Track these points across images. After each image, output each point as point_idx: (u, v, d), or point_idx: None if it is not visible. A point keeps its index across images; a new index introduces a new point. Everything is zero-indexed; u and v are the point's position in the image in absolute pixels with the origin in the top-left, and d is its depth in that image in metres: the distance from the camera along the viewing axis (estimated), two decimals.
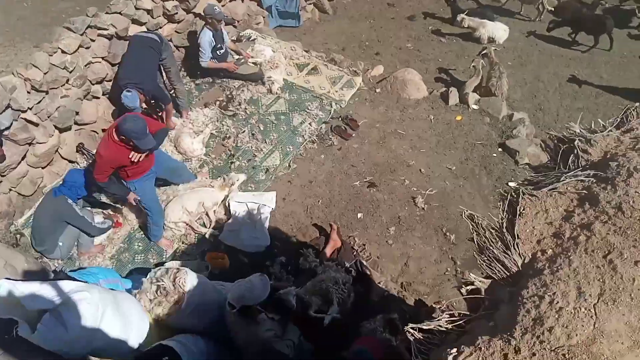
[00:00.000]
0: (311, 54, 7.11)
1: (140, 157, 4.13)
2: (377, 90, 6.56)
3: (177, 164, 5.18)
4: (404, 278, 4.58)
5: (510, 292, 4.26)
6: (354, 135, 5.86)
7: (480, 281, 4.49)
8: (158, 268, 3.83)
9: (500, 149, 5.74)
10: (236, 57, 6.60)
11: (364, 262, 4.59)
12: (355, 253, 4.69)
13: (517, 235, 4.78)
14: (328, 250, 4.57)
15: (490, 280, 4.53)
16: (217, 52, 6.13)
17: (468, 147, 5.75)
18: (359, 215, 5.06)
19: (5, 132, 4.67)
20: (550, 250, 4.54)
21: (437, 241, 4.85)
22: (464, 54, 7.85)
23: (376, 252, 4.76)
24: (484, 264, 4.69)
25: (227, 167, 5.55)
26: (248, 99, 6.25)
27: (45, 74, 4.88)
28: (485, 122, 6.08)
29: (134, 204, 4.61)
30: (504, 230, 4.90)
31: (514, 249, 4.68)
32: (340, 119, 6.06)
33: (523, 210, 4.98)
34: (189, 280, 3.61)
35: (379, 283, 4.38)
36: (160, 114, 5.82)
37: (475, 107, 6.23)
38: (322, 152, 5.70)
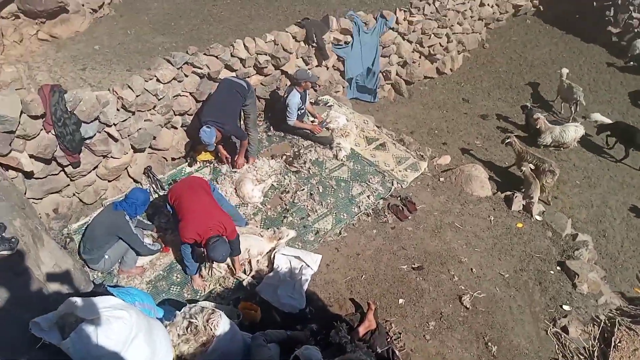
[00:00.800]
0: (382, 130, 7.23)
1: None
2: (441, 179, 6.52)
3: (231, 208, 5.26)
4: None
5: None
6: (409, 217, 5.78)
7: None
8: (194, 305, 3.80)
9: (558, 268, 5.47)
10: (311, 118, 6.85)
11: (397, 352, 4.36)
12: (389, 339, 4.46)
13: None
14: (362, 330, 4.38)
15: None
16: (299, 111, 6.41)
17: (525, 257, 5.52)
18: (401, 300, 4.86)
19: (87, 141, 4.94)
20: None
21: (477, 349, 4.55)
22: None
23: (411, 344, 4.51)
24: None
25: (280, 220, 5.56)
26: (313, 160, 6.37)
27: (137, 96, 5.22)
28: (547, 235, 5.86)
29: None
30: (595, 359, 4.55)
31: None
32: (399, 198, 6.02)
33: (619, 342, 4.64)
34: (222, 324, 3.55)
35: None
36: (227, 157, 6.05)
37: (538, 218, 6.05)
38: (374, 227, 5.62)
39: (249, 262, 5.01)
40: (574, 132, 7.78)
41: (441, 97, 9.51)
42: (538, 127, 7.99)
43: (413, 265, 5.21)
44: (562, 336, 4.75)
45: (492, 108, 9.25)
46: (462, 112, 9.09)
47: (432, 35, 9.21)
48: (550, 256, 5.59)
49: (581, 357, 4.62)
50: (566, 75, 8.90)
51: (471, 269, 5.26)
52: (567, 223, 6.00)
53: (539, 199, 6.36)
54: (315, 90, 7.62)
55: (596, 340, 4.75)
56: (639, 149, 7.89)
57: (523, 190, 6.47)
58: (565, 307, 5.03)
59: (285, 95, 6.38)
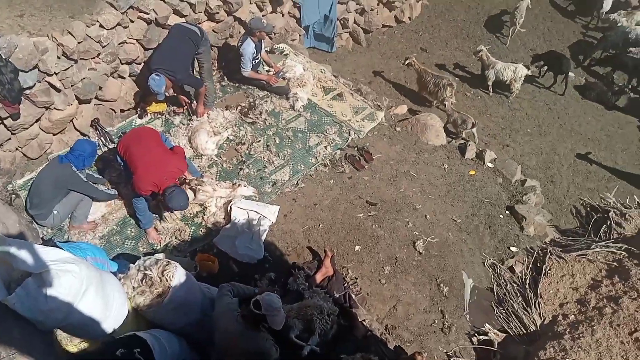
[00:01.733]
0: (339, 80, 7.15)
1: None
2: (397, 129, 6.57)
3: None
4: (390, 321, 4.48)
5: (525, 350, 4.20)
6: (366, 167, 5.83)
7: (494, 333, 4.44)
8: (148, 257, 3.77)
9: (507, 212, 5.72)
10: (267, 68, 6.66)
11: (353, 296, 4.51)
12: (345, 285, 4.58)
13: (540, 294, 4.76)
14: (319, 276, 4.48)
15: (505, 335, 4.49)
16: (253, 61, 6.19)
17: (476, 203, 5.72)
18: (357, 247, 4.98)
19: (27, 91, 4.65)
20: (573, 315, 4.51)
21: (430, 290, 4.76)
22: (487, 112, 7.94)
23: (367, 289, 4.66)
24: (501, 317, 4.64)
25: (236, 172, 5.49)
26: (270, 111, 6.25)
27: (79, 43, 4.90)
28: (498, 182, 6.07)
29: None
30: (527, 286, 4.87)
31: (535, 307, 4.69)
32: (356, 148, 6.04)
33: (549, 270, 4.99)
34: (177, 275, 3.54)
35: (364, 320, 4.28)
36: (187, 102, 5.89)
37: (490, 165, 6.24)
38: (331, 178, 5.65)
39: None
40: (513, 70, 7.95)
41: (399, 46, 9.43)
42: (480, 58, 8.21)
43: (369, 199, 5.31)
44: (497, 266, 5.05)
45: (449, 58, 9.28)
46: (420, 61, 9.05)
47: None
48: (500, 201, 5.82)
49: (514, 285, 4.93)
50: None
51: (425, 216, 5.42)
52: (517, 169, 6.22)
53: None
54: (271, 38, 7.38)
55: (529, 269, 5.08)
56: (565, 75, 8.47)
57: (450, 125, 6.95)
58: (513, 249, 5.30)
59: (239, 44, 6.14)
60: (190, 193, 4.76)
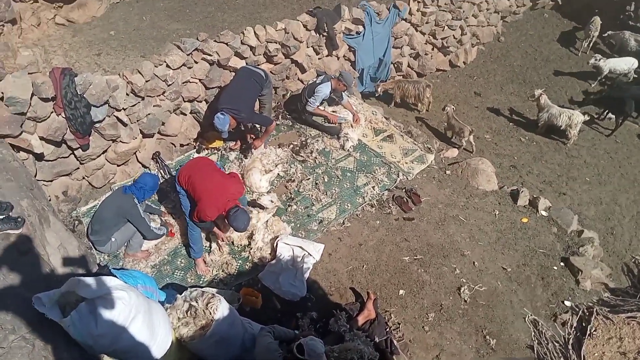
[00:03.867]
0: (390, 122, 7.22)
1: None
2: (447, 172, 6.51)
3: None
4: None
5: None
6: (413, 209, 5.78)
7: None
8: (195, 289, 3.87)
9: (562, 264, 5.44)
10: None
11: (395, 342, 4.40)
12: (387, 329, 4.50)
13: (584, 356, 4.47)
14: (361, 319, 4.42)
15: None
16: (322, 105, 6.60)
17: (528, 252, 5.50)
18: (401, 292, 4.89)
19: (97, 125, 5.03)
20: None
21: (476, 342, 4.57)
22: (542, 158, 7.70)
23: (410, 335, 4.55)
24: None
25: (284, 208, 5.61)
26: (320, 150, 6.40)
27: (146, 81, 5.28)
28: (552, 231, 5.82)
29: (226, 240, 5.01)
30: (569, 347, 4.61)
31: None
32: (404, 190, 6.02)
33: (594, 331, 4.70)
34: (221, 309, 3.61)
35: None
36: (249, 137, 6.19)
37: (544, 213, 6.01)
38: (378, 218, 5.64)
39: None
40: (568, 116, 7.70)
41: (453, 90, 9.43)
42: (537, 101, 8.01)
43: (416, 257, 5.22)
44: (539, 323, 4.77)
45: (504, 102, 9.16)
46: (473, 105, 9.01)
47: (446, 27, 9.12)
48: (555, 252, 5.57)
49: (556, 344, 4.64)
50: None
51: (473, 262, 5.26)
52: (574, 219, 5.95)
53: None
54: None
55: (572, 329, 4.77)
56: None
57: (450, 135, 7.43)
58: (567, 303, 5.01)
59: (317, 82, 6.41)
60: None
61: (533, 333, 4.73)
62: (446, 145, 7.27)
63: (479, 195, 6.20)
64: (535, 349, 4.61)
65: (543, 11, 11.85)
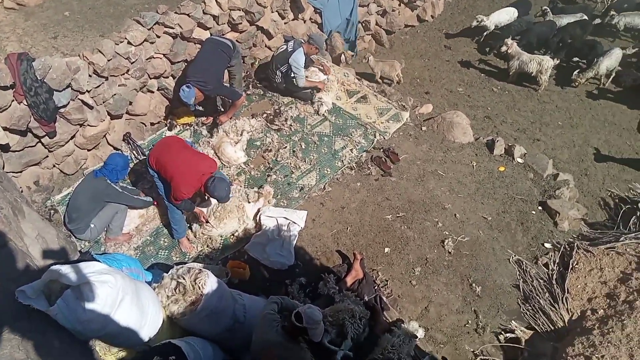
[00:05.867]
0: (363, 82, 7.15)
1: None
2: (423, 129, 6.52)
3: None
4: (422, 322, 4.42)
5: (553, 347, 4.11)
6: (392, 168, 5.81)
7: (521, 330, 4.37)
8: (180, 266, 3.86)
9: (540, 208, 5.58)
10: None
11: (384, 299, 4.50)
12: (376, 287, 4.59)
13: (567, 289, 4.67)
14: (349, 280, 4.49)
15: (532, 332, 4.41)
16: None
17: (507, 199, 5.61)
18: (386, 249, 4.97)
19: (61, 110, 4.85)
20: (602, 310, 4.39)
21: (462, 290, 4.70)
22: (515, 107, 7.78)
23: (398, 291, 4.64)
24: (528, 313, 4.56)
25: (264, 179, 5.57)
26: (295, 117, 6.32)
27: (108, 60, 5.07)
28: (529, 177, 5.93)
29: (204, 220, 4.85)
30: (554, 282, 4.78)
31: (563, 303, 4.59)
32: (382, 150, 6.03)
33: (576, 264, 4.89)
34: (209, 283, 3.61)
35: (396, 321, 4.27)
36: (219, 111, 6.10)
37: (520, 160, 6.10)
38: (358, 180, 5.66)
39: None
40: (538, 62, 7.79)
41: (423, 45, 9.37)
42: (507, 51, 8.05)
43: (398, 215, 5.28)
44: (523, 263, 4.95)
45: (474, 54, 9.17)
46: (444, 59, 8.99)
47: None
48: (532, 197, 5.69)
49: (540, 281, 4.82)
50: None
51: (455, 215, 5.35)
52: (549, 164, 6.06)
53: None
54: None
55: (555, 264, 4.96)
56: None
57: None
58: (547, 245, 5.16)
59: (288, 49, 6.19)
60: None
61: (518, 272, 4.88)
62: (420, 101, 7.25)
63: (455, 149, 6.25)
64: (520, 287, 4.76)
65: None
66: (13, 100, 4.46)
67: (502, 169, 5.98)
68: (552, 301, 4.62)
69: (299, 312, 3.12)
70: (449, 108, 7.41)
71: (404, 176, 5.75)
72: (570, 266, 4.86)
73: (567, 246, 5.13)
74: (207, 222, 4.87)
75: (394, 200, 5.45)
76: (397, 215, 5.28)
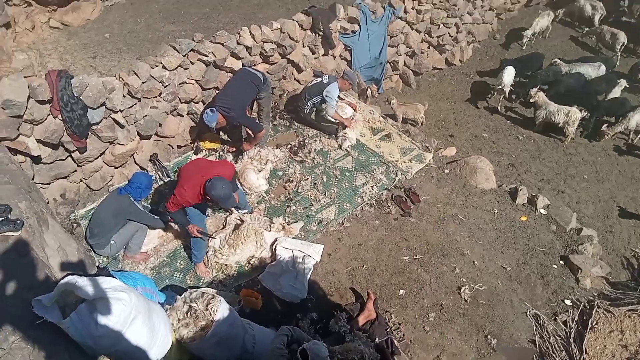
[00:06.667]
0: (388, 121, 7.21)
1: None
2: (446, 171, 6.50)
3: (241, 192, 5.24)
4: None
5: None
6: (412, 208, 5.77)
7: None
8: (194, 290, 3.85)
9: (562, 262, 5.44)
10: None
11: (396, 342, 4.39)
12: (388, 330, 4.48)
13: (586, 349, 4.51)
14: (361, 319, 4.41)
15: None
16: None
17: (528, 250, 5.49)
18: (401, 292, 4.88)
19: (94, 127, 5.00)
20: None
21: (477, 342, 4.56)
22: (540, 156, 7.72)
23: (410, 335, 4.53)
24: None
25: (283, 209, 5.59)
26: (318, 150, 6.39)
27: (143, 82, 5.25)
28: (551, 229, 5.82)
29: (196, 234, 4.61)
30: (571, 341, 4.62)
31: None
32: (403, 189, 6.01)
33: (596, 324, 4.73)
34: (221, 309, 3.59)
35: None
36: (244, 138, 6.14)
37: (543, 211, 6.00)
38: (377, 218, 5.63)
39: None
40: (565, 113, 7.75)
41: (450, 88, 9.45)
42: (534, 100, 8.05)
43: (415, 257, 5.21)
44: (541, 317, 4.79)
45: (502, 100, 9.16)
46: (470, 104, 9.02)
47: (441, 25, 9.14)
48: (554, 250, 5.56)
49: (558, 338, 4.66)
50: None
51: (473, 262, 5.26)
52: (573, 217, 5.96)
53: None
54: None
55: (574, 322, 4.80)
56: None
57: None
58: (567, 302, 5.01)
59: (323, 82, 6.38)
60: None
61: (535, 327, 4.73)
62: (444, 143, 7.25)
63: (477, 194, 6.20)
64: (537, 343, 4.61)
65: (538, 7, 11.88)
66: (49, 115, 4.63)
67: (524, 218, 5.89)
68: None
69: (304, 348, 3.06)
70: (472, 153, 7.41)
71: (424, 218, 5.70)
72: (590, 326, 4.70)
73: (587, 304, 4.97)
74: (200, 237, 4.66)
75: (412, 241, 5.39)
76: (415, 257, 5.22)
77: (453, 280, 5.04)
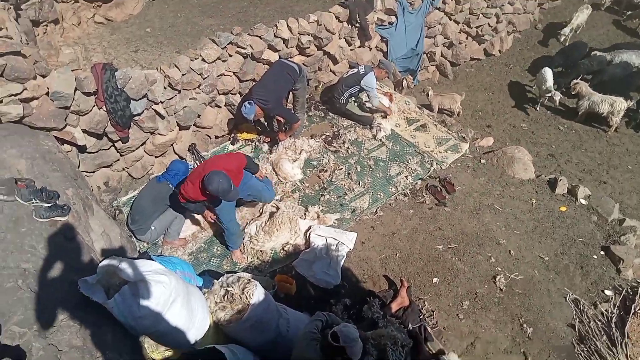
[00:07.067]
0: (423, 111, 7.16)
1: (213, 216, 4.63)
2: (482, 161, 6.40)
3: (260, 188, 5.06)
4: (467, 358, 4.29)
5: None
6: (447, 198, 5.73)
7: None
8: (230, 274, 3.96)
9: (602, 253, 5.27)
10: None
11: (429, 329, 4.39)
12: (421, 317, 4.49)
13: (628, 334, 4.40)
14: (394, 306, 4.43)
15: None
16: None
17: (567, 241, 5.36)
18: (435, 280, 4.87)
19: (136, 118, 5.21)
20: None
21: (512, 330, 4.50)
22: (582, 147, 7.49)
23: (444, 323, 4.52)
24: (582, 355, 4.34)
25: (317, 198, 5.67)
26: (352, 140, 6.43)
27: (183, 75, 5.42)
28: (592, 220, 5.65)
29: (211, 220, 4.82)
30: (613, 325, 4.51)
31: (622, 348, 4.32)
32: (437, 179, 5.97)
33: (638, 309, 4.58)
34: (257, 293, 3.68)
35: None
36: (276, 129, 6.33)
37: (584, 202, 5.83)
38: (411, 207, 5.62)
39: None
40: (610, 104, 7.49)
41: (488, 79, 9.28)
42: (576, 92, 7.83)
43: (450, 246, 5.18)
44: (581, 302, 4.70)
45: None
46: (509, 94, 8.82)
47: (481, 15, 8.98)
48: (594, 241, 5.40)
49: (598, 322, 4.55)
50: None
51: (509, 251, 5.18)
52: (615, 208, 5.75)
53: None
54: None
55: (616, 308, 4.68)
56: None
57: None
58: (607, 292, 4.87)
59: (360, 72, 6.43)
60: None
61: (575, 312, 4.63)
62: (481, 134, 7.14)
63: (515, 184, 6.08)
64: (576, 327, 4.51)
65: None
66: (94, 106, 4.85)
67: (563, 209, 5.74)
68: (609, 344, 4.35)
69: (335, 331, 3.11)
70: (510, 143, 7.26)
71: (459, 207, 5.65)
72: (633, 311, 4.56)
73: (629, 290, 4.82)
74: (213, 221, 4.81)
75: (447, 230, 5.36)
76: (449, 246, 5.19)
77: (488, 269, 4.98)
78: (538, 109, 8.41)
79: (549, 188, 6.08)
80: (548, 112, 8.34)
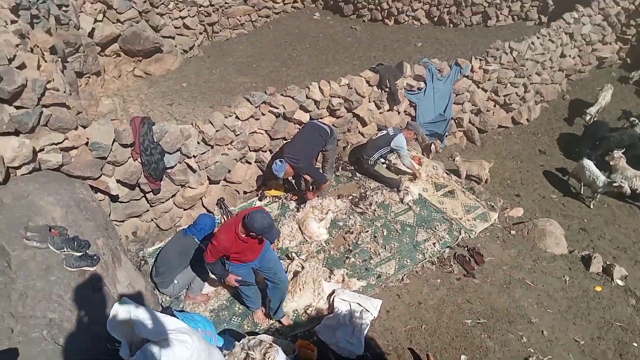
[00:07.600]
0: (451, 177, 7.11)
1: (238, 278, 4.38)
2: (512, 232, 6.24)
3: (279, 265, 4.70)
4: None
5: None
6: (476, 269, 5.55)
7: None
8: (252, 337, 3.86)
9: None
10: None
11: None
12: None
13: None
14: None
15: None
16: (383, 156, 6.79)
17: (604, 325, 5.08)
18: (463, 357, 4.62)
19: (168, 170, 5.28)
20: None
21: None
22: (615, 222, 7.27)
23: None
24: None
25: (342, 260, 5.55)
26: (379, 202, 6.38)
27: (217, 131, 5.54)
28: (630, 303, 5.37)
29: (234, 284, 4.51)
30: None
31: None
32: (466, 248, 5.82)
33: None
34: (278, 359, 3.56)
35: None
36: (303, 188, 6.37)
37: (620, 282, 5.58)
38: (439, 277, 5.45)
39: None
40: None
41: (516, 147, 9.23)
42: (614, 164, 7.66)
43: (479, 321, 4.96)
44: None
45: (570, 162, 8.81)
46: (537, 163, 8.74)
47: (509, 84, 9.06)
48: (634, 326, 5.10)
49: None
50: None
51: (542, 331, 4.92)
52: None
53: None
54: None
55: None
56: None
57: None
58: None
59: (390, 134, 6.52)
60: None
61: None
62: (510, 203, 7.02)
63: (547, 259, 5.88)
64: None
65: (610, 69, 11.52)
66: (129, 157, 4.95)
67: (598, 288, 5.49)
68: None
69: None
70: (540, 214, 7.10)
71: (488, 280, 5.46)
72: None
73: None
74: (238, 286, 4.53)
75: (476, 304, 5.15)
76: (478, 321, 4.96)
77: (520, 350, 4.72)
78: (592, 206, 7.74)
79: (582, 265, 5.85)
80: (579, 184, 8.18)
